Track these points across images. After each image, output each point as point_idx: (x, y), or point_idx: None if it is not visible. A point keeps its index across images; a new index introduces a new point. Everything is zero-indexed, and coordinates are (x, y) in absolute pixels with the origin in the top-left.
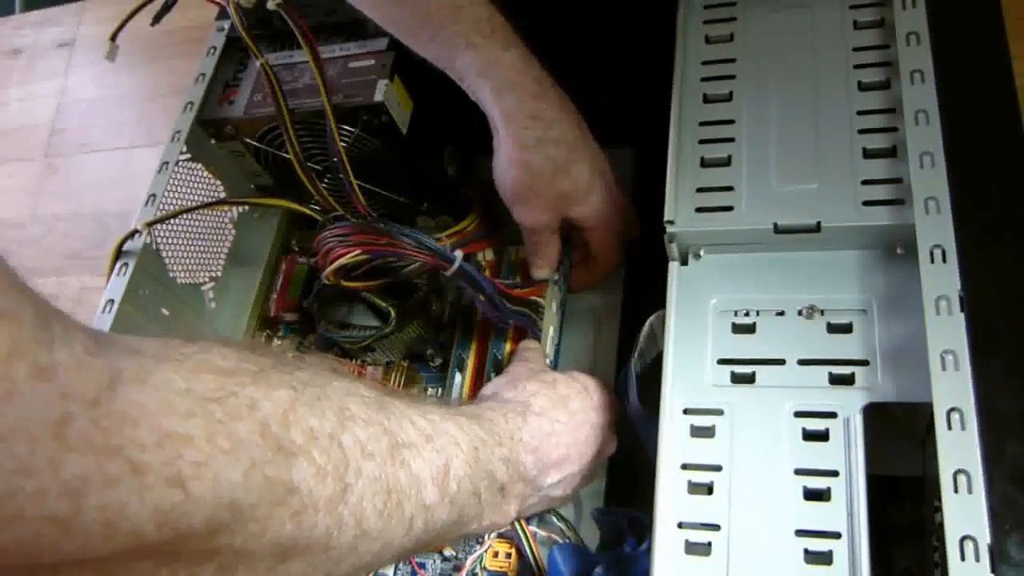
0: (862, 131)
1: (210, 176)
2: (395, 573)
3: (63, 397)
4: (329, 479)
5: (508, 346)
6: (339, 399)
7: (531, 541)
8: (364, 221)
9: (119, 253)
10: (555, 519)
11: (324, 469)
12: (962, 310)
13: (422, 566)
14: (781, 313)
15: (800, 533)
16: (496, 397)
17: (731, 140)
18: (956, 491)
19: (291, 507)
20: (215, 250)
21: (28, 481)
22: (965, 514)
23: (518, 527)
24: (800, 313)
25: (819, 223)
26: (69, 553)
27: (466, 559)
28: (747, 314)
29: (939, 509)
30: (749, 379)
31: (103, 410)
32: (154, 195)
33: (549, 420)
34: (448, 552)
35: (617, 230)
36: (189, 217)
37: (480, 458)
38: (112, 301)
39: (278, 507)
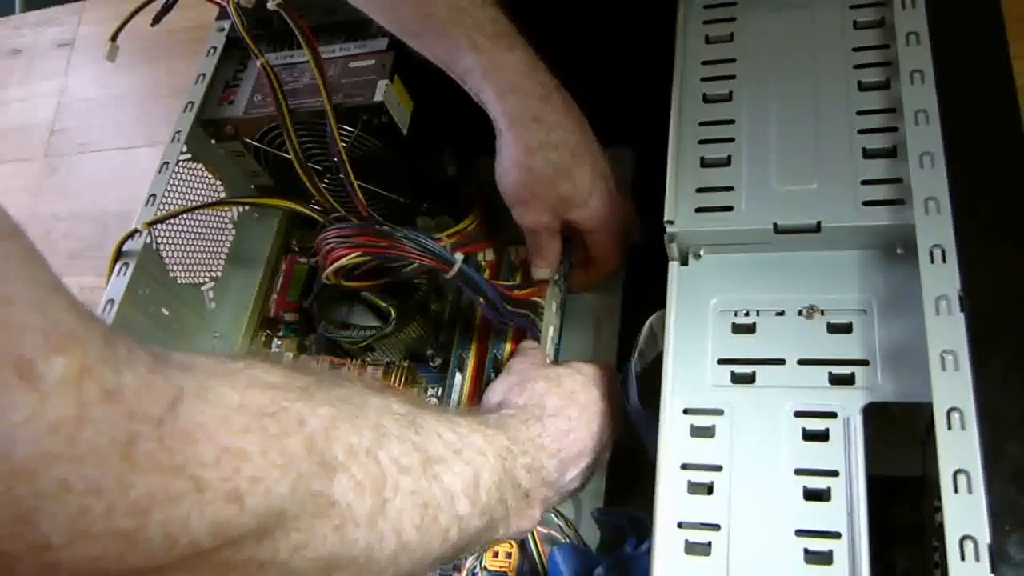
0: (862, 131)
1: (210, 176)
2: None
3: (130, 418)
4: (367, 494)
5: (508, 346)
6: (375, 416)
7: (537, 540)
8: (365, 222)
9: (119, 253)
10: (554, 517)
11: (362, 484)
12: (962, 310)
13: None
14: (781, 313)
15: (800, 533)
16: (507, 403)
17: (731, 140)
18: (956, 491)
19: (332, 520)
20: (215, 250)
21: (98, 500)
22: (965, 514)
23: None
24: (800, 313)
25: (819, 223)
26: (131, 566)
27: (466, 559)
28: (747, 314)
29: (939, 509)
30: (749, 379)
31: (167, 429)
32: (154, 195)
33: (564, 419)
34: None
35: (617, 233)
36: (189, 217)
37: (506, 468)
38: (112, 301)
39: (319, 519)
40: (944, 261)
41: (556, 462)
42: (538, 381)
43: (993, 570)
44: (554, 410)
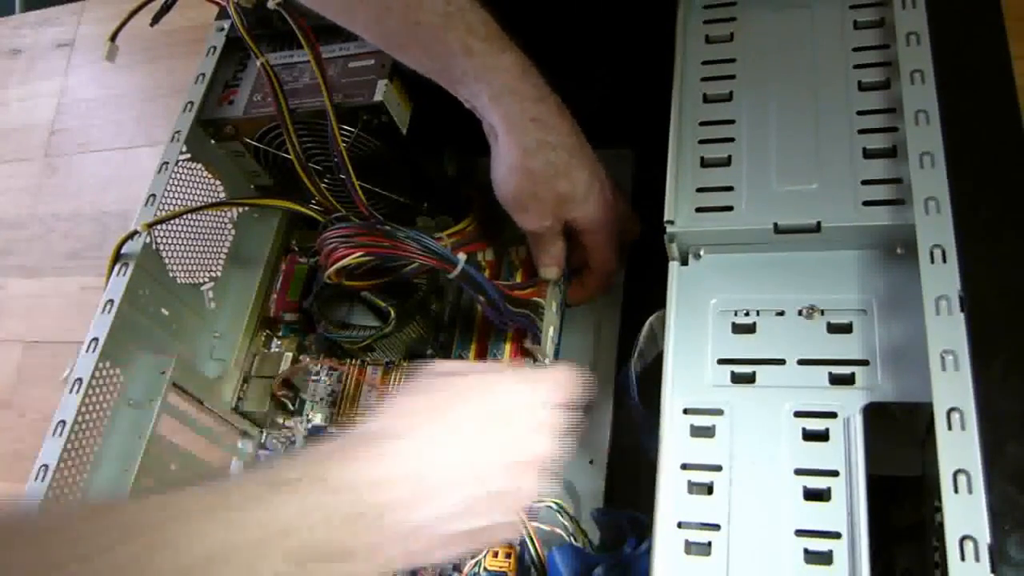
0: (862, 131)
1: (210, 176)
2: (395, 573)
3: None
4: None
5: (508, 346)
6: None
7: (535, 540)
8: (367, 222)
9: (119, 253)
10: (560, 516)
11: None
12: (962, 310)
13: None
14: (781, 313)
15: (800, 533)
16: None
17: (731, 140)
18: (956, 491)
19: None
20: (215, 250)
21: None
22: (965, 514)
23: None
24: (800, 313)
25: (819, 223)
26: None
27: (467, 559)
28: (747, 314)
29: (939, 509)
30: (749, 379)
31: None
32: (154, 195)
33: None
34: None
35: (615, 233)
36: (189, 217)
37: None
38: (112, 301)
39: None
40: (944, 261)
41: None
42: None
43: (993, 570)
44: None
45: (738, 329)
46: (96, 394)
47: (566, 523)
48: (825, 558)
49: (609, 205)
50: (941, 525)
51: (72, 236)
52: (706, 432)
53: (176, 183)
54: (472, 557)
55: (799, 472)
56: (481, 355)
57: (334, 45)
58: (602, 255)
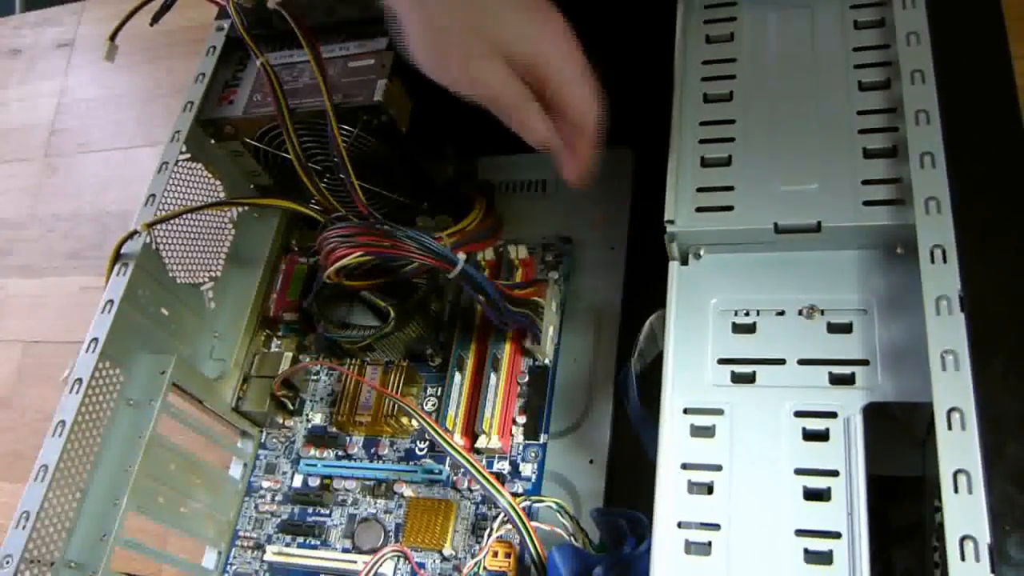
0: (862, 131)
1: (210, 176)
2: (395, 573)
3: None
4: None
5: (508, 346)
6: None
7: (536, 540)
8: (367, 222)
9: (119, 253)
10: (560, 516)
11: None
12: (962, 310)
13: (422, 566)
14: (781, 313)
15: (800, 533)
16: None
17: (731, 140)
18: (956, 491)
19: None
20: (215, 250)
21: None
22: (965, 514)
23: (519, 523)
24: (800, 313)
25: (819, 223)
26: None
27: (467, 559)
28: (747, 314)
29: (939, 509)
30: (749, 379)
31: None
32: (153, 195)
33: None
34: (448, 552)
35: (583, 65)
36: (189, 217)
37: None
38: (112, 301)
39: None
40: (944, 261)
41: None
42: None
43: (993, 570)
44: None
45: (738, 329)
46: (96, 394)
47: (566, 523)
48: (825, 558)
49: (562, 31)
50: (941, 525)
51: (72, 236)
52: (706, 432)
53: (176, 183)
54: (472, 557)
55: (799, 472)
56: (481, 355)
57: (334, 45)
58: (576, 96)
